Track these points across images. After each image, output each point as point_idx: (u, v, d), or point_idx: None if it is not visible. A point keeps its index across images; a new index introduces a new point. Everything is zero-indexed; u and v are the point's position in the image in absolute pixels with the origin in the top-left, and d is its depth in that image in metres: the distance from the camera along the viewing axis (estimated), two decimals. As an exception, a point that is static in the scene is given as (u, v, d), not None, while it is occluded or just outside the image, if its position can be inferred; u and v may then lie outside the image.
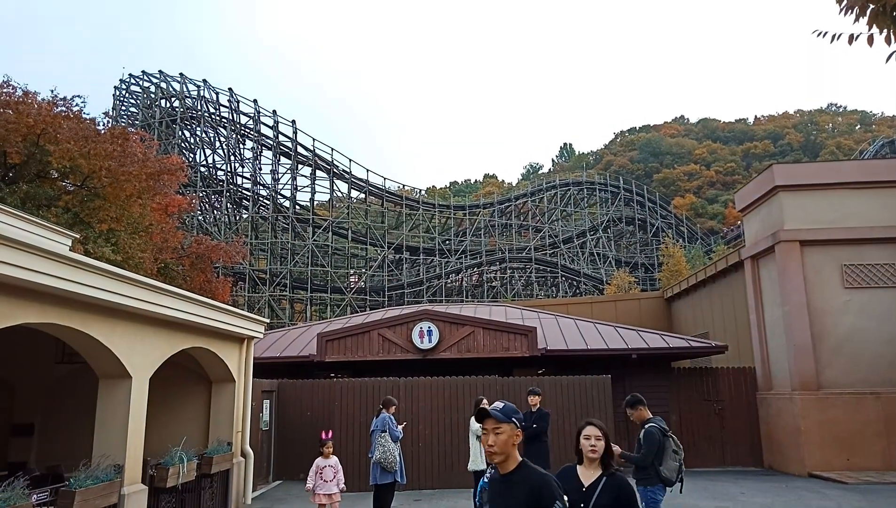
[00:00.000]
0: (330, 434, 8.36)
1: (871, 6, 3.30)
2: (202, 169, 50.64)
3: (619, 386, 14.19)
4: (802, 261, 14.54)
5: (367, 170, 52.46)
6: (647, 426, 6.05)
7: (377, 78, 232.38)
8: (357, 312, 39.40)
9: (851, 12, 3.38)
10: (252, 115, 51.53)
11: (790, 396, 14.02)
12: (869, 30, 3.38)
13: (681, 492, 6.08)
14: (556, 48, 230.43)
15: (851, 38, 3.49)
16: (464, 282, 54.94)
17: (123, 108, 53.23)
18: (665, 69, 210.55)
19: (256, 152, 52.41)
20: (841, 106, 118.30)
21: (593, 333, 16.77)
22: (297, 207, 51.50)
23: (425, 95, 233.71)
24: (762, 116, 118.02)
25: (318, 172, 51.22)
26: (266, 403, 13.42)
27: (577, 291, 54.22)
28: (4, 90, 18.50)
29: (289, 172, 51.25)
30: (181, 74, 52.47)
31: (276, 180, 51.17)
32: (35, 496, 5.81)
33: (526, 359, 15.40)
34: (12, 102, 17.95)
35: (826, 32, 3.56)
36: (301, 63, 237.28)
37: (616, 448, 6.11)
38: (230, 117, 52.18)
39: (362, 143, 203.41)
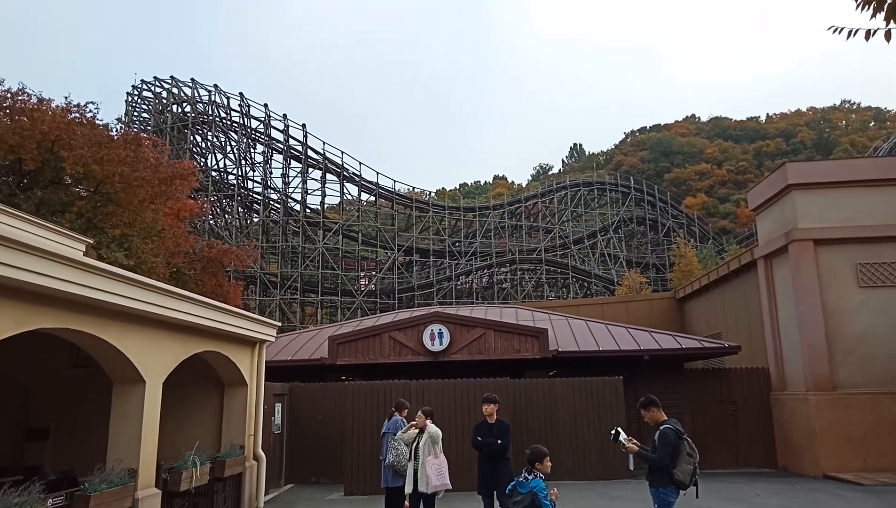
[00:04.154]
0: None
1: (889, 1, 3.25)
2: (213, 173, 50.92)
3: (631, 388, 14.10)
4: (816, 260, 14.37)
5: (377, 173, 52.70)
6: (662, 427, 5.98)
7: (386, 82, 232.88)
8: (368, 315, 39.47)
9: (868, 7, 3.32)
10: (262, 119, 51.81)
11: (804, 396, 13.86)
12: (886, 25, 3.32)
13: (697, 497, 6.00)
14: (566, 49, 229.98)
15: (868, 34, 3.43)
16: (474, 284, 54.89)
17: (136, 113, 53.63)
18: (675, 68, 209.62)
19: (267, 156, 52.65)
20: (854, 103, 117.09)
21: (605, 334, 16.67)
22: (308, 210, 51.68)
23: (435, 97, 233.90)
24: (774, 113, 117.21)
25: (329, 176, 51.41)
26: (278, 406, 13.45)
27: (588, 292, 54.01)
28: (20, 98, 18.71)
29: (299, 175, 51.50)
30: (192, 80, 52.85)
31: (286, 184, 51.43)
32: (50, 500, 5.84)
33: (537, 361, 15.33)
34: (27, 110, 18.14)
35: (842, 28, 3.51)
36: (309, 67, 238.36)
37: (633, 446, 6.05)
38: (241, 122, 52.49)
39: (372, 146, 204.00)
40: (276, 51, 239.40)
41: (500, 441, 7.97)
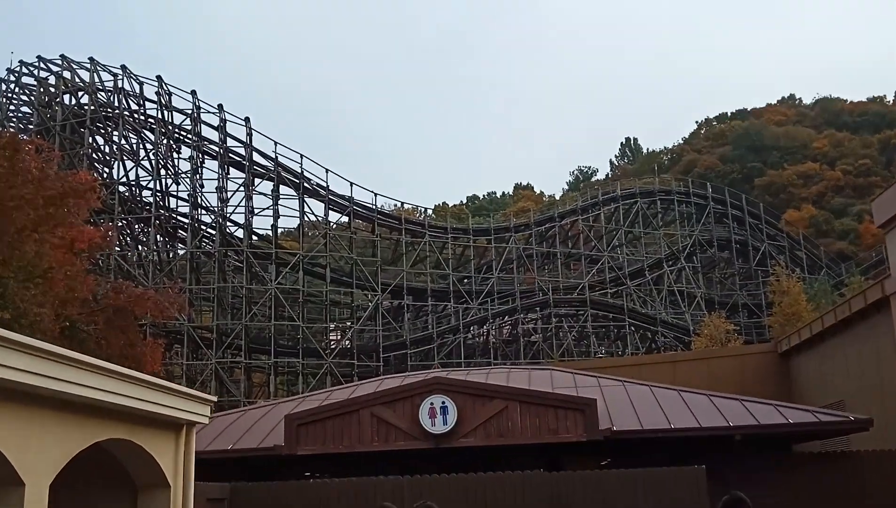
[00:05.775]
0: None
1: None
2: (122, 189, 51.35)
3: (716, 480, 13.92)
4: (975, 294, 14.36)
5: (351, 183, 52.87)
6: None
7: (370, 59, 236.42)
8: (341, 382, 39.35)
9: None
10: (190, 112, 52.27)
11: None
12: None
13: None
14: (608, 8, 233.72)
15: None
16: (491, 337, 54.83)
17: (12, 107, 54.28)
18: (766, 31, 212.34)
19: (196, 164, 53.03)
20: None
21: (678, 405, 16.63)
22: (254, 237, 51.96)
23: (433, 84, 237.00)
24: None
25: (284, 189, 51.74)
26: (214, 517, 13.35)
27: (653, 345, 53.91)
28: None
29: (242, 189, 51.83)
30: (91, 59, 53.22)
31: (223, 201, 51.74)
32: None
33: (582, 445, 15.29)
34: None
35: None
36: (271, 51, 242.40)
37: None
38: (159, 116, 52.98)
39: (350, 151, 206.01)
40: (230, 33, 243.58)
41: None
